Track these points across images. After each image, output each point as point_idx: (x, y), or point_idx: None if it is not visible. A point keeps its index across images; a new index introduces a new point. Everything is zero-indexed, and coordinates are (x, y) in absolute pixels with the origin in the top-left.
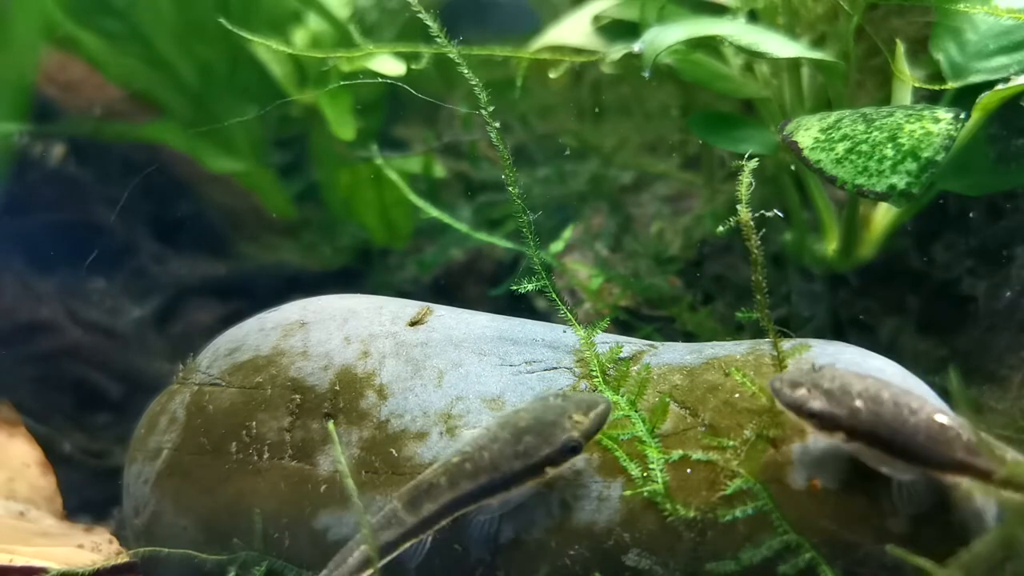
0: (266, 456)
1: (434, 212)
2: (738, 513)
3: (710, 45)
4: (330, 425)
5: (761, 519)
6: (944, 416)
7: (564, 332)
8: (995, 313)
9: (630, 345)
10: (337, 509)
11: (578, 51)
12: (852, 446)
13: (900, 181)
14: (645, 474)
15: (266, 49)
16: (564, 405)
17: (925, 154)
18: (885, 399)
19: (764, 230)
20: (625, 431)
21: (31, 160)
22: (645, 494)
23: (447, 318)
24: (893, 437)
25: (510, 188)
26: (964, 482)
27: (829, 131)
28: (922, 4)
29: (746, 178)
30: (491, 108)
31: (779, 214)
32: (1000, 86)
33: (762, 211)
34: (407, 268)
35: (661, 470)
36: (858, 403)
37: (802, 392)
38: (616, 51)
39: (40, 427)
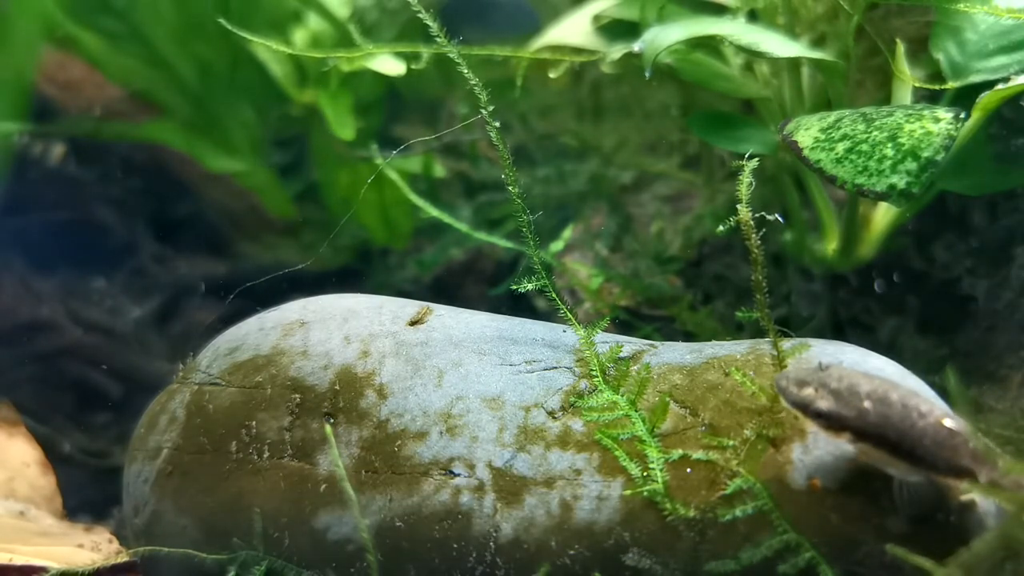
0: (266, 455)
1: (434, 212)
2: (738, 513)
3: (710, 45)
4: (327, 428)
5: (761, 519)
6: (952, 421)
7: (564, 332)
8: (995, 313)
9: (630, 345)
10: (337, 508)
11: (578, 51)
12: (858, 447)
13: (900, 181)
14: (645, 474)
15: (266, 49)
16: None
17: (925, 154)
18: (894, 401)
19: (764, 230)
20: (625, 430)
21: (31, 160)
22: (645, 494)
23: (447, 318)
24: (900, 440)
25: (510, 188)
26: (965, 484)
27: (829, 131)
28: (922, 4)
29: (746, 178)
30: (491, 108)
31: (779, 218)
32: (1000, 86)
33: (762, 212)
34: (407, 268)
35: (661, 470)
36: (866, 404)
37: (809, 391)
38: (616, 51)
39: (40, 427)
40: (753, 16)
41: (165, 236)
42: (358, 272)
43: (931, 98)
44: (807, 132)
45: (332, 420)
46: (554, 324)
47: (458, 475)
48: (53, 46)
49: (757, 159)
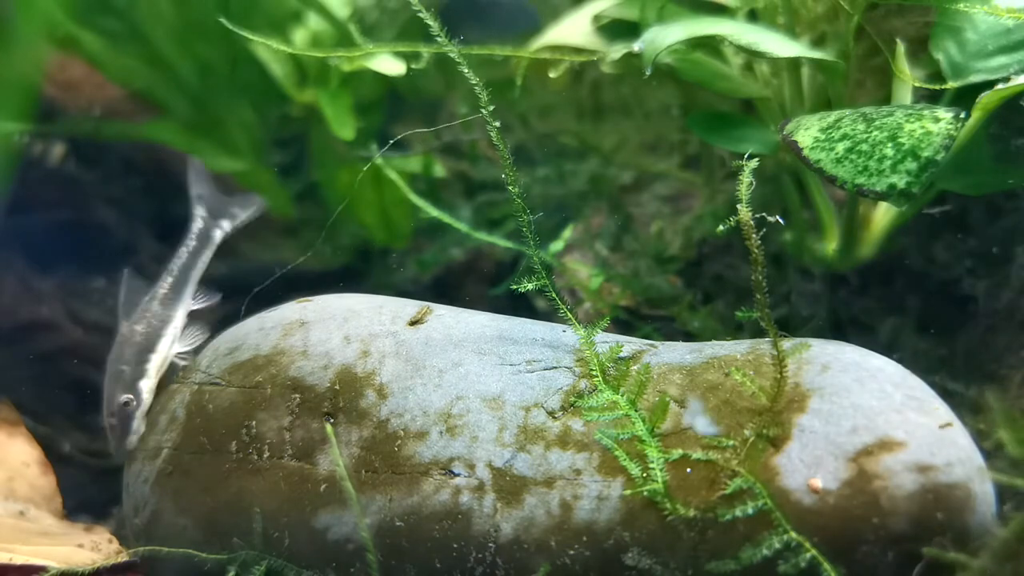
0: (266, 455)
1: (434, 212)
2: (738, 513)
3: (710, 45)
4: (328, 428)
5: (761, 518)
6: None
7: (564, 332)
8: (995, 313)
9: (630, 344)
10: (337, 508)
11: (578, 51)
12: None
13: (900, 181)
14: (645, 473)
15: (266, 49)
16: None
17: (925, 154)
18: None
19: (764, 230)
20: (625, 430)
21: (31, 160)
22: (645, 493)
23: (447, 317)
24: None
25: (510, 188)
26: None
27: (829, 131)
28: (922, 4)
29: (746, 178)
30: (491, 108)
31: (780, 220)
32: (1000, 86)
33: (763, 213)
34: (407, 268)
35: (661, 469)
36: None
37: None
38: (616, 51)
39: (40, 427)
40: (753, 16)
41: (165, 236)
42: (358, 272)
43: (931, 98)
44: (807, 132)
45: (332, 420)
46: (554, 324)
47: (458, 475)
48: (54, 46)
49: (757, 159)
